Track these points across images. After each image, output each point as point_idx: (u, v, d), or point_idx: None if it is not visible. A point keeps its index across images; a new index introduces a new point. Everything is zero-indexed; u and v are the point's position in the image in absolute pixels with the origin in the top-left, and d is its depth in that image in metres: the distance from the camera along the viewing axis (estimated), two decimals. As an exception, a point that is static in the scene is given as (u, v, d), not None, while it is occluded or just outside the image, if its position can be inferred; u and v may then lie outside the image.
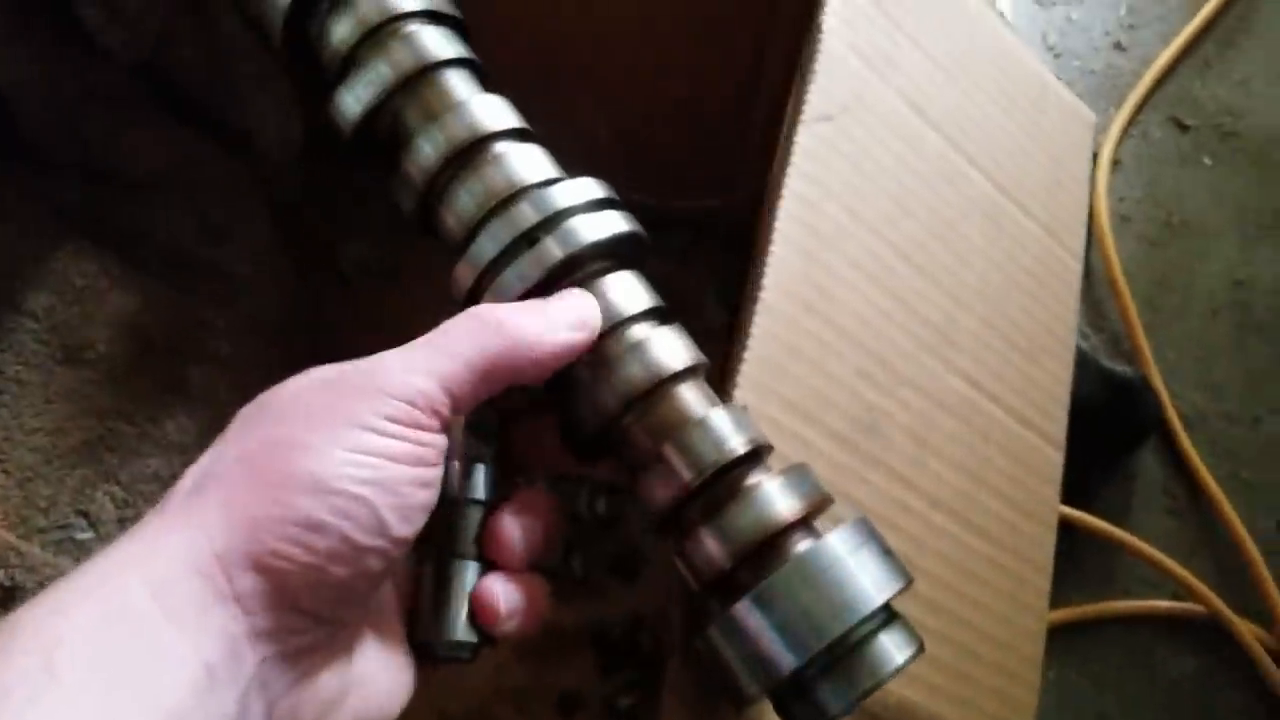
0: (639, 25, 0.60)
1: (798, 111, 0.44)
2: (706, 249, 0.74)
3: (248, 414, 0.32)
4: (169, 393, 0.55)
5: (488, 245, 0.36)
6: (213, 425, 0.40)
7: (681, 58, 0.61)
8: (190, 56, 0.57)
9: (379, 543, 0.30)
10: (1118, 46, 0.96)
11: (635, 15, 0.60)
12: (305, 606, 0.29)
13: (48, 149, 0.58)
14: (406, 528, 0.31)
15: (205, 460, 0.31)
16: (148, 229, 0.58)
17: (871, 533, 0.33)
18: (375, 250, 0.79)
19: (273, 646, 0.28)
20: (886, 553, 0.33)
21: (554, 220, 0.36)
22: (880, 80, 0.47)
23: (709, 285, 0.75)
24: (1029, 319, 0.51)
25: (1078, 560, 0.73)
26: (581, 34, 0.56)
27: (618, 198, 0.38)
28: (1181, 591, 0.74)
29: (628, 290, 0.36)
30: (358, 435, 0.30)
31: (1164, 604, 0.75)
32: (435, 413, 0.32)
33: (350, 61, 0.38)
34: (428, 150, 0.37)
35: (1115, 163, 0.90)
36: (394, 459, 0.30)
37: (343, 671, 0.31)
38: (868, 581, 0.31)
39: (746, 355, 0.39)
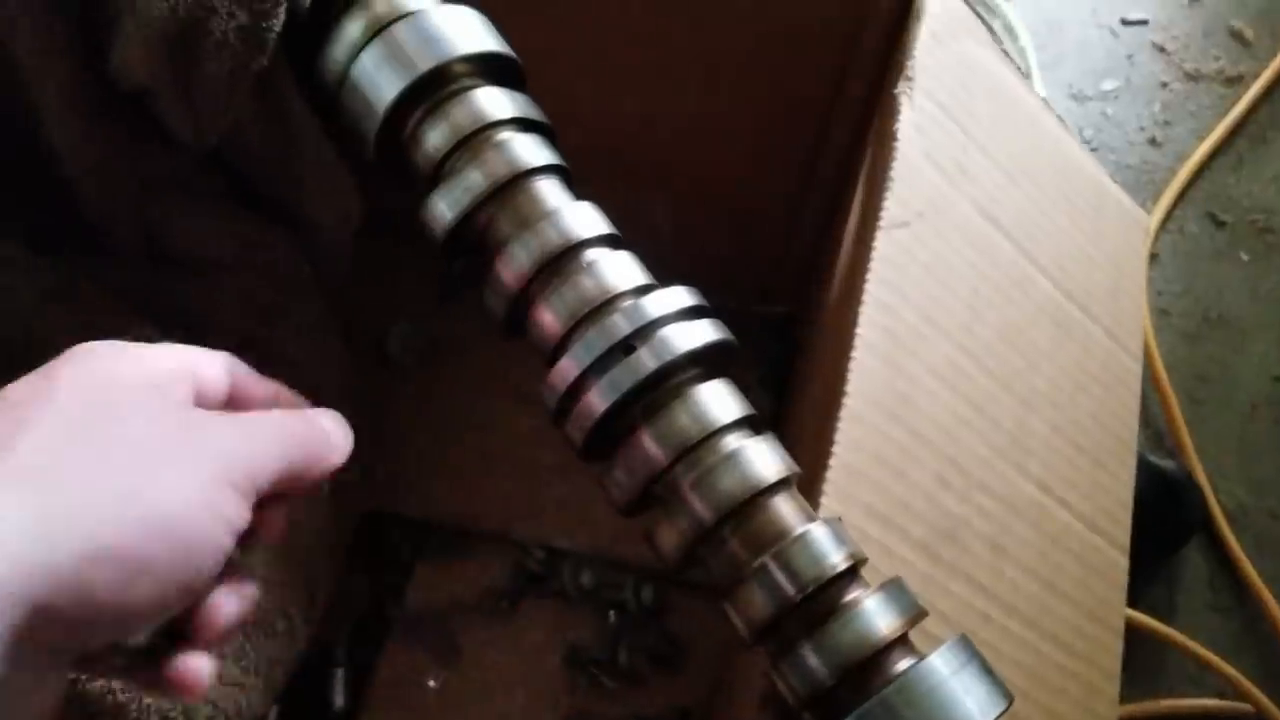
0: (702, 128, 0.61)
1: (874, 218, 0.45)
2: (753, 335, 0.75)
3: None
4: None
5: (582, 353, 0.36)
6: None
7: (739, 165, 0.63)
8: (256, 142, 0.58)
9: None
10: (1153, 142, 0.98)
11: (698, 120, 0.61)
12: None
13: (112, 232, 0.59)
14: None
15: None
16: (207, 312, 0.59)
17: (973, 652, 0.33)
18: (420, 331, 0.80)
19: None
20: (987, 671, 0.33)
21: (648, 330, 0.36)
22: (952, 186, 0.48)
23: (754, 370, 0.76)
24: (1094, 423, 0.51)
25: (1125, 658, 0.72)
26: (649, 134, 0.57)
27: (707, 305, 0.38)
28: (1228, 689, 0.74)
29: (722, 399, 0.37)
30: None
31: (1211, 702, 0.74)
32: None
33: (444, 166, 0.39)
34: (521, 257, 0.38)
35: (1153, 256, 0.91)
36: None
37: None
38: (972, 704, 0.31)
39: (832, 463, 0.40)
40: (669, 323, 0.36)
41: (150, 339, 0.54)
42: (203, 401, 0.34)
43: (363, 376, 0.72)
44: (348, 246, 0.66)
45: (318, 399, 0.62)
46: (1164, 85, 1.01)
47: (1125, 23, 1.04)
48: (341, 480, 0.41)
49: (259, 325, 0.60)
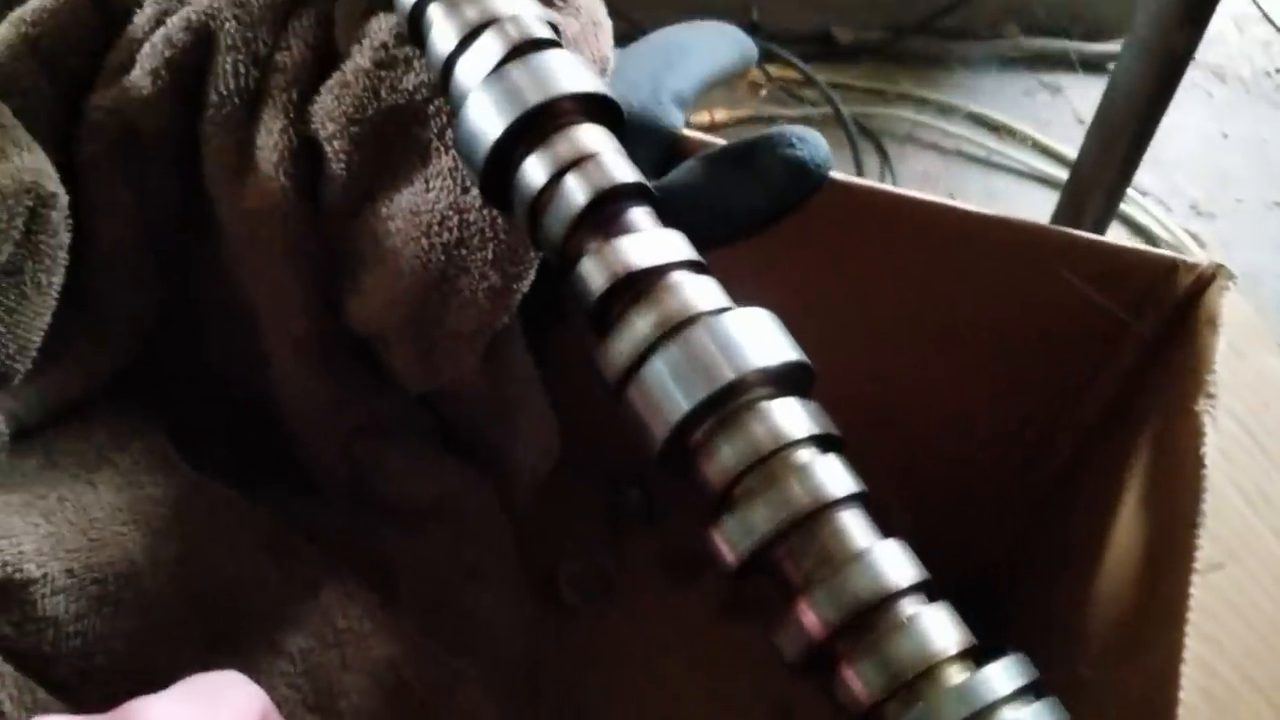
0: (935, 406, 0.59)
1: (1183, 558, 0.42)
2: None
3: None
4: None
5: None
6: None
7: (965, 444, 0.61)
8: (476, 388, 0.57)
9: None
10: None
11: (932, 398, 0.59)
12: None
13: (317, 473, 0.58)
14: None
15: None
16: (406, 563, 0.57)
17: None
18: (591, 567, 0.78)
19: None
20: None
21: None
22: (1258, 518, 0.45)
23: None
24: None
25: None
26: (879, 409, 0.55)
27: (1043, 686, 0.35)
28: None
29: None
30: None
31: None
32: None
33: (737, 486, 0.37)
34: (827, 609, 0.35)
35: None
36: None
37: None
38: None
39: None
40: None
41: (349, 594, 0.53)
42: None
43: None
44: (539, 484, 0.65)
45: (513, 664, 0.60)
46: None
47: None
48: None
49: (456, 583, 0.58)
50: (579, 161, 0.42)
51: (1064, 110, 1.82)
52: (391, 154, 0.51)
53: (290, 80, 0.51)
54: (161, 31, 0.50)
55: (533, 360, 0.56)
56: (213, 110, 0.51)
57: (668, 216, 0.45)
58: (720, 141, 0.53)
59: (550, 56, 0.44)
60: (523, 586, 0.62)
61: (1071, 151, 1.70)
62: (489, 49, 0.44)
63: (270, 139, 0.50)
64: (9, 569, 0.41)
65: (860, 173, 1.56)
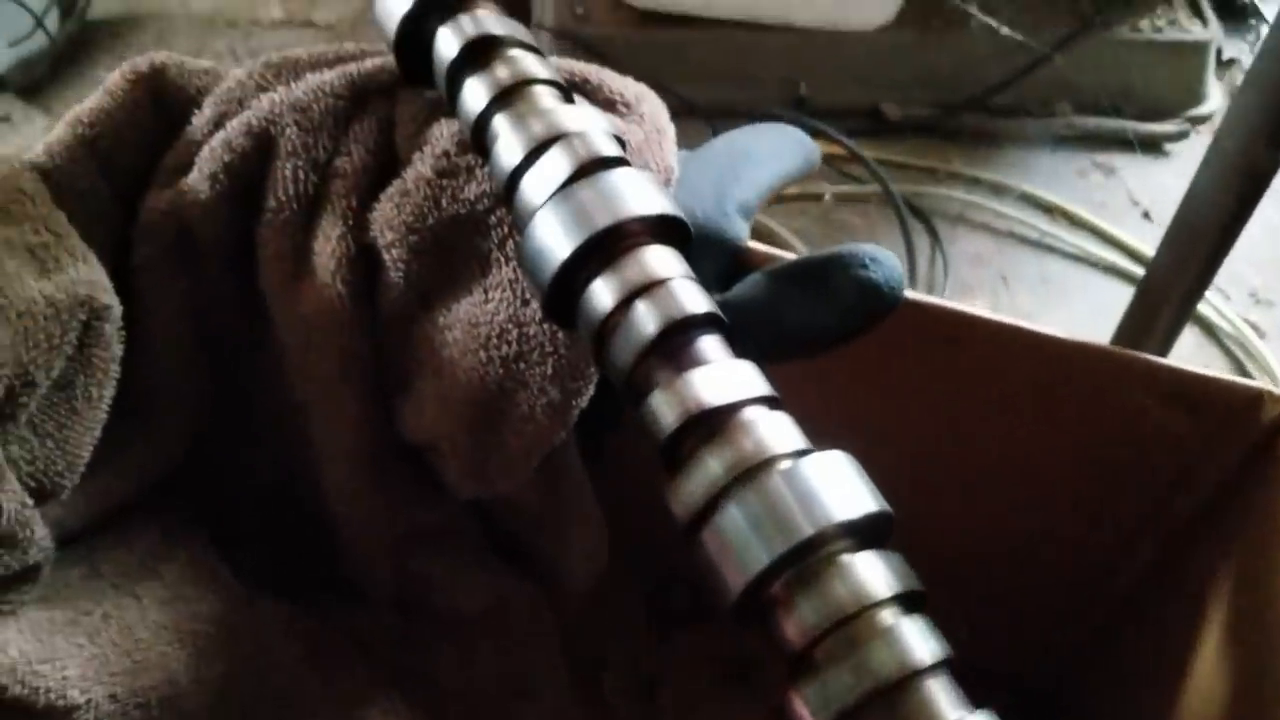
0: (1001, 533, 0.58)
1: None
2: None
3: None
4: None
5: None
6: None
7: (1032, 569, 0.59)
8: (529, 498, 0.56)
9: None
10: None
11: (998, 522, 0.58)
12: None
13: (365, 580, 0.57)
14: None
15: None
16: (454, 681, 0.56)
17: None
18: (637, 672, 0.76)
19: None
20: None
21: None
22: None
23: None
24: None
25: None
26: (945, 536, 0.53)
27: None
28: None
29: None
30: None
31: None
32: None
33: (818, 646, 0.36)
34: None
35: None
36: None
37: None
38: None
39: None
40: None
41: (395, 713, 0.52)
42: None
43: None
44: (588, 589, 0.64)
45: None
46: None
47: None
48: None
49: (504, 704, 0.56)
50: (649, 288, 0.41)
51: (1118, 192, 1.81)
52: (451, 263, 0.50)
53: (350, 186, 0.50)
54: (221, 135, 0.50)
55: (589, 482, 0.55)
56: (270, 215, 0.50)
57: (733, 333, 0.44)
58: (785, 254, 0.52)
59: (618, 176, 0.43)
60: (570, 702, 0.61)
61: (1126, 235, 1.69)
62: (556, 166, 0.44)
63: (328, 245, 0.50)
64: (53, 695, 0.40)
65: (911, 253, 1.54)
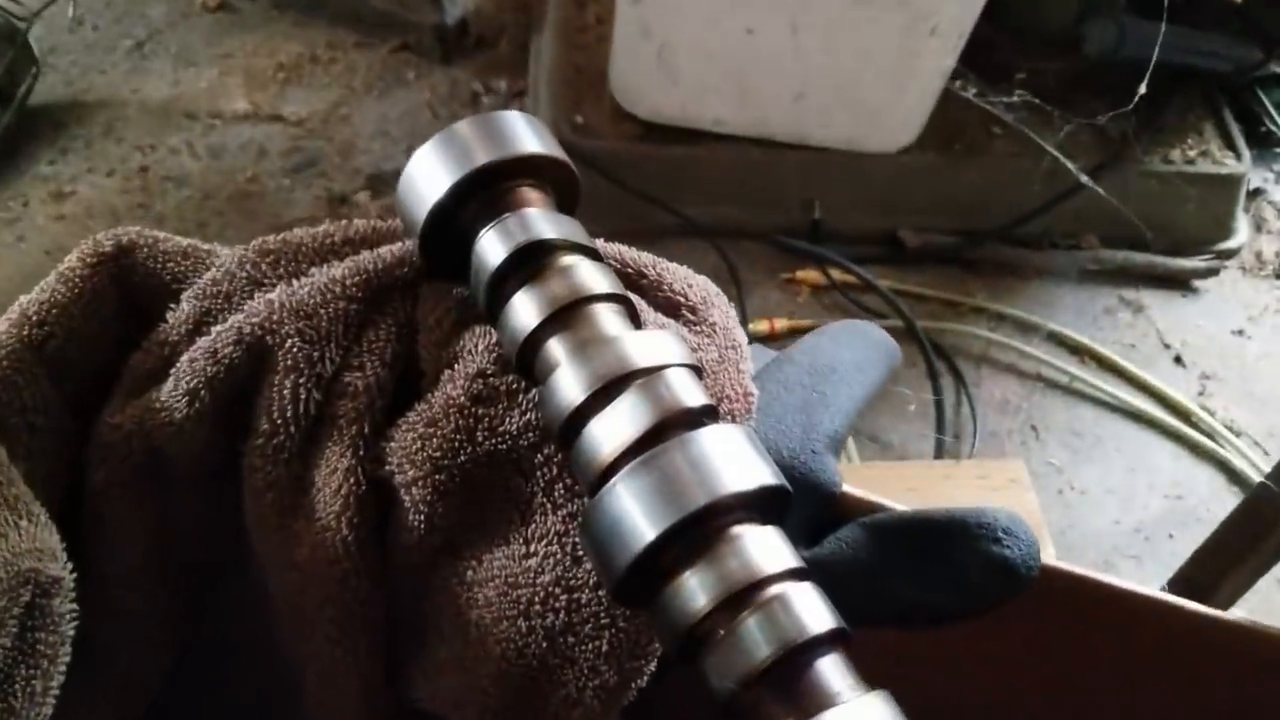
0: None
1: None
2: None
3: None
4: None
5: None
6: None
7: None
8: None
9: None
10: None
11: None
12: None
13: None
14: None
15: None
16: None
17: None
18: None
19: None
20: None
21: None
22: None
23: None
24: None
25: None
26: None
27: None
28: None
29: None
30: None
31: None
32: None
33: None
34: None
35: None
36: None
37: None
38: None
39: None
40: None
41: None
42: None
43: None
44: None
45: None
46: None
47: None
48: None
49: None
50: (757, 593, 0.34)
51: (1148, 332, 1.77)
52: (484, 508, 0.43)
53: (361, 408, 0.43)
54: (205, 343, 0.43)
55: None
56: (262, 440, 0.43)
57: (827, 593, 0.37)
58: (886, 502, 0.45)
59: (710, 439, 0.36)
60: None
61: (1159, 382, 1.64)
62: (635, 418, 0.37)
63: (333, 480, 0.42)
64: None
65: (939, 396, 1.49)
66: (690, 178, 1.71)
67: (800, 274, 1.71)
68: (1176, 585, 1.06)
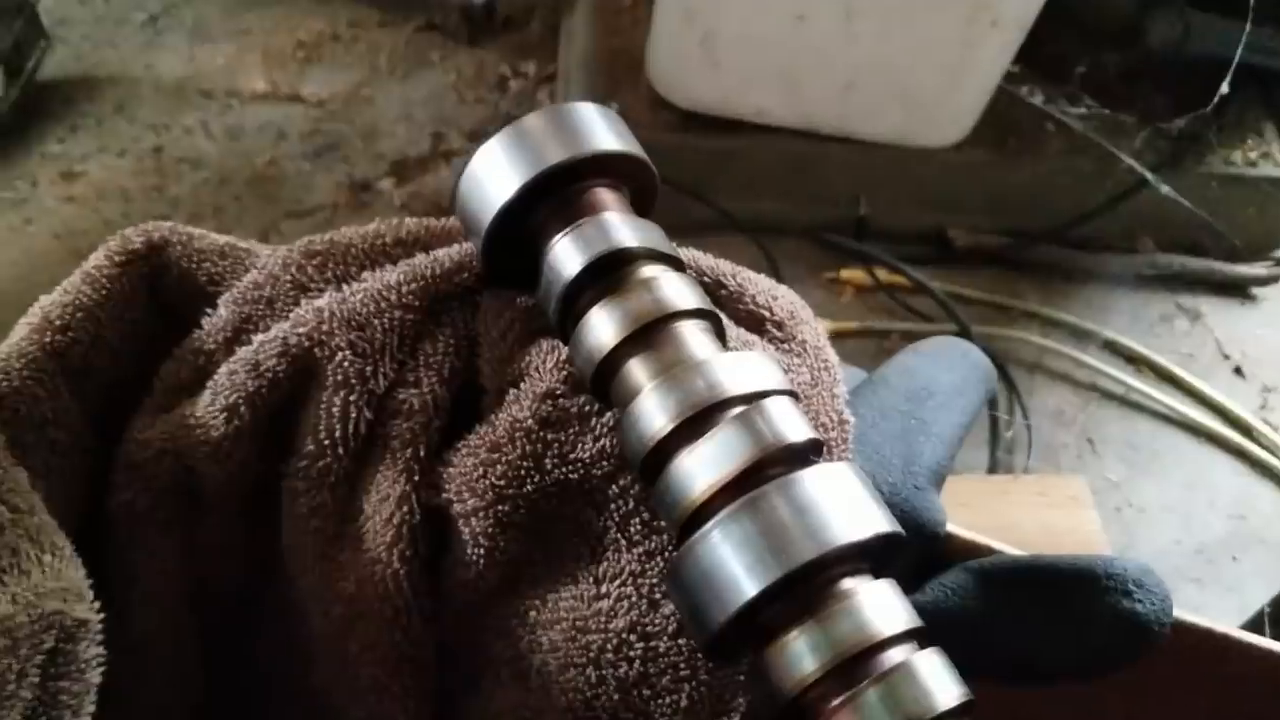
0: None
1: None
2: None
3: None
4: None
5: None
6: None
7: None
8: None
9: None
10: None
11: None
12: None
13: None
14: None
15: None
16: None
17: None
18: None
19: None
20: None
21: None
22: None
23: None
24: None
25: None
26: None
27: None
28: None
29: None
30: None
31: None
32: None
33: None
34: None
35: None
36: None
37: None
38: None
39: None
40: None
41: None
42: None
43: None
44: None
45: None
46: None
47: None
48: None
49: None
50: (874, 659, 0.31)
51: (1205, 341, 1.73)
52: (550, 542, 0.40)
53: (417, 429, 0.40)
54: (246, 353, 0.40)
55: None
56: (307, 462, 0.40)
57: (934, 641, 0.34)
58: (996, 545, 0.42)
59: (818, 481, 0.33)
60: None
61: (1216, 393, 1.61)
62: (731, 452, 0.34)
63: (385, 508, 0.40)
64: None
65: (994, 408, 1.46)
66: (730, 170, 1.67)
67: (845, 273, 1.68)
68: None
